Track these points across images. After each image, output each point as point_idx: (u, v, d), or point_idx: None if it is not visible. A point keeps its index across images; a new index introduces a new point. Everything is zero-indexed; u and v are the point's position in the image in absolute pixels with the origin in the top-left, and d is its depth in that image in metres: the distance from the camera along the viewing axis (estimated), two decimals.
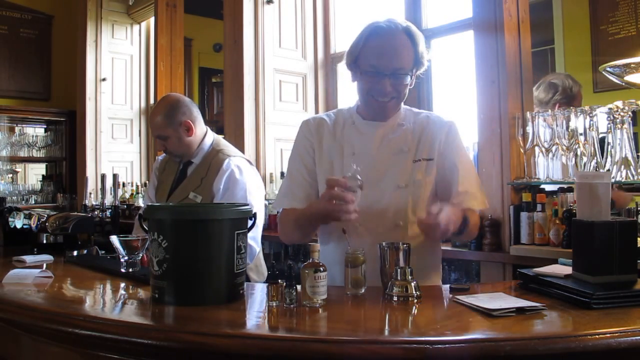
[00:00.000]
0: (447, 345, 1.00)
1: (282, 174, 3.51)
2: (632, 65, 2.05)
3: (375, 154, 1.68)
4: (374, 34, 1.63)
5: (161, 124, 2.29)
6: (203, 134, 2.38)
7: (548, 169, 2.17)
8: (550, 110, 2.19)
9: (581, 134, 2.07)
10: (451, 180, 1.68)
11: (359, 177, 1.45)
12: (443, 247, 2.45)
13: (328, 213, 1.46)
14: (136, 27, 5.36)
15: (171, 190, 2.39)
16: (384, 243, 1.43)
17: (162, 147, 2.35)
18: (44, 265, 1.89)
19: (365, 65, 1.63)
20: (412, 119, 1.73)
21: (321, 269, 1.27)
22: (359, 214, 1.45)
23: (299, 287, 1.28)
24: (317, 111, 3.79)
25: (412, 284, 1.33)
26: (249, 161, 2.38)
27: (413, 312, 1.26)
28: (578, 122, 2.08)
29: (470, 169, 1.73)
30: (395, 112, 1.73)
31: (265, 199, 3.46)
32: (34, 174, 5.92)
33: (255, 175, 2.34)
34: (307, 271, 1.27)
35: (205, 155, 2.34)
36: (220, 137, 2.50)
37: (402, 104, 1.75)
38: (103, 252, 2.20)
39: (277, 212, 1.82)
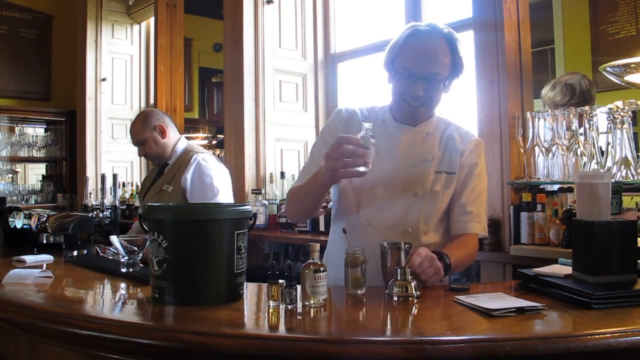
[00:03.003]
0: (447, 345, 1.00)
1: (282, 174, 3.51)
2: (632, 65, 2.05)
3: (399, 157, 1.67)
4: (413, 36, 1.61)
5: (138, 129, 2.74)
6: (177, 139, 2.80)
7: (548, 169, 2.17)
8: (550, 110, 2.19)
9: (581, 134, 2.07)
10: (461, 196, 1.67)
11: (372, 136, 1.40)
12: None
13: (336, 170, 1.40)
14: (136, 27, 5.36)
15: (150, 187, 2.79)
16: (385, 243, 1.43)
17: (142, 152, 2.76)
18: (44, 265, 1.89)
19: (400, 67, 1.61)
20: (442, 130, 1.72)
21: (321, 269, 1.27)
22: (368, 170, 1.40)
23: (299, 287, 1.28)
24: (317, 111, 3.79)
25: (412, 284, 1.33)
26: (217, 158, 2.80)
27: (413, 312, 1.26)
28: (578, 122, 2.08)
29: (483, 192, 1.71)
30: (427, 118, 1.71)
31: (265, 199, 3.47)
32: (34, 174, 5.92)
33: (221, 168, 2.74)
34: (307, 271, 1.27)
35: (178, 157, 2.75)
36: (193, 143, 2.98)
37: (435, 112, 1.74)
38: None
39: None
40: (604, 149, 2.03)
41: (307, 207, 1.69)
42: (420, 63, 1.58)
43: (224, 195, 2.63)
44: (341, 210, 1.74)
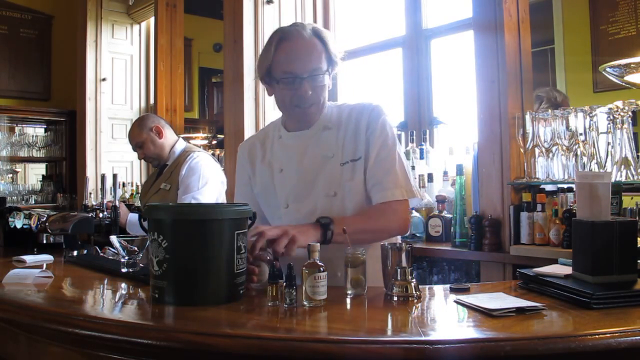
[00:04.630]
0: (447, 345, 1.00)
1: None
2: (632, 65, 2.05)
3: (302, 166, 1.64)
4: (283, 40, 1.59)
5: (136, 132, 2.87)
6: (174, 141, 2.92)
7: (548, 169, 2.17)
8: (550, 111, 2.19)
9: (581, 134, 2.07)
10: (368, 167, 1.61)
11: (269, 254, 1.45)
12: (443, 247, 2.47)
13: None
14: (136, 27, 5.36)
15: (150, 187, 2.94)
16: (386, 243, 1.42)
17: (142, 155, 2.90)
18: (44, 265, 1.89)
19: (280, 73, 1.59)
20: (337, 118, 1.67)
21: (321, 269, 1.27)
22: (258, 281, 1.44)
23: (299, 287, 1.28)
24: None
25: (412, 284, 1.33)
26: (214, 157, 2.99)
27: (413, 312, 1.26)
28: (578, 122, 2.08)
29: (389, 155, 1.61)
30: (318, 117, 1.67)
31: None
32: (34, 174, 5.92)
33: (214, 167, 2.85)
34: (307, 271, 1.27)
35: (176, 157, 2.88)
36: (192, 145, 3.12)
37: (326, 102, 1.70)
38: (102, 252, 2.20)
39: None
40: (603, 149, 2.03)
41: None
42: (300, 63, 1.57)
43: (211, 188, 2.74)
44: None
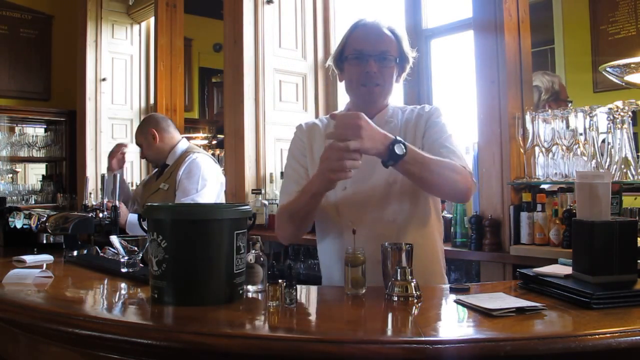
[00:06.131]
0: (447, 345, 1.00)
1: (282, 174, 3.50)
2: (632, 65, 2.06)
3: None
4: (359, 25, 1.70)
5: (137, 133, 3.00)
6: (174, 143, 2.95)
7: (548, 169, 2.17)
8: (550, 110, 2.19)
9: (581, 134, 2.07)
10: (429, 142, 1.64)
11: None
12: (443, 247, 2.47)
13: (334, 171, 1.39)
14: (136, 27, 5.36)
15: (150, 187, 2.99)
16: (386, 243, 1.42)
17: (141, 154, 3.01)
18: (44, 265, 1.89)
19: (350, 51, 1.67)
20: (399, 116, 1.73)
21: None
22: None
23: (299, 287, 1.28)
24: (317, 111, 3.79)
25: (412, 284, 1.33)
26: (213, 158, 3.01)
27: (413, 312, 1.26)
28: (578, 122, 2.08)
29: (444, 140, 1.63)
30: (383, 106, 1.72)
31: (265, 199, 3.47)
32: (34, 174, 5.92)
33: (212, 166, 2.89)
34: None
35: (177, 158, 2.90)
36: (194, 145, 3.14)
37: (390, 102, 1.74)
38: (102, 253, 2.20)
39: None
40: (604, 149, 2.03)
41: (301, 221, 1.63)
42: (370, 42, 1.65)
43: (210, 190, 2.76)
44: (323, 221, 1.72)
